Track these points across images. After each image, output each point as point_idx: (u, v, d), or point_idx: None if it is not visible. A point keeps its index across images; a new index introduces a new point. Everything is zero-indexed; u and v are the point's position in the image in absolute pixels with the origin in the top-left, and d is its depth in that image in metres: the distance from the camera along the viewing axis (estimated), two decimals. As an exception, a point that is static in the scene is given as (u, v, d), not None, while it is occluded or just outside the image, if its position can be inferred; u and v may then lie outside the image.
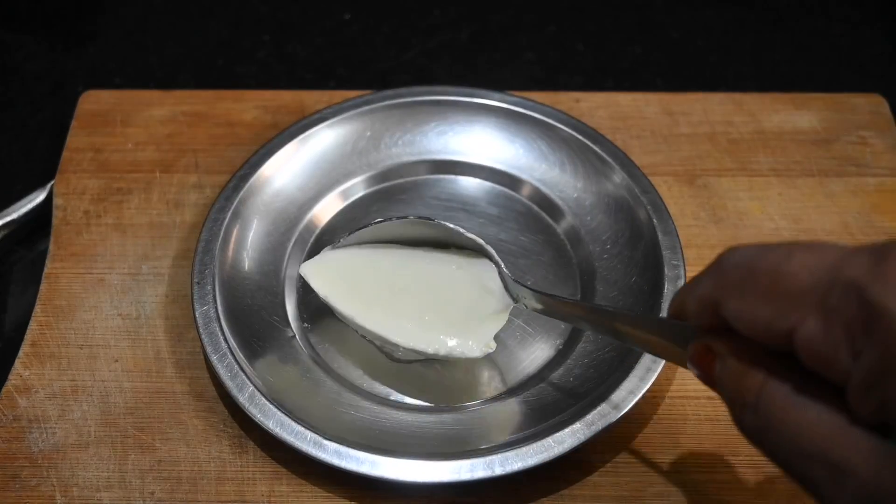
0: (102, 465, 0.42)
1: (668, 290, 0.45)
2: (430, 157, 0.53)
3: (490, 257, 0.44)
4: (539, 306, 0.42)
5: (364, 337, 0.44)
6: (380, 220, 0.45)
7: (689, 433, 0.43)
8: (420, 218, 0.44)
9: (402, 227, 0.45)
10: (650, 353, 0.40)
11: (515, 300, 0.43)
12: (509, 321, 0.46)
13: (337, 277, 0.44)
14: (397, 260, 0.45)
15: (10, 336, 0.49)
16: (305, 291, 0.48)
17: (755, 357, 0.27)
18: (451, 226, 0.44)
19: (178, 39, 0.65)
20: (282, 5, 0.68)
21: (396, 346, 0.42)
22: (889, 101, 0.57)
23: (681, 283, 0.45)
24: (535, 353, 0.46)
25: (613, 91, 0.59)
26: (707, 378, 0.29)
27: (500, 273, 0.44)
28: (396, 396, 0.44)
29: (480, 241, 0.44)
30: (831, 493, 0.25)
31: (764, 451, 0.27)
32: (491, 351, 0.42)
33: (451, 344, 0.42)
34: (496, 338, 0.42)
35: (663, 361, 0.42)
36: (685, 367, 0.31)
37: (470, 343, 0.42)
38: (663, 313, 0.44)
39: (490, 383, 0.45)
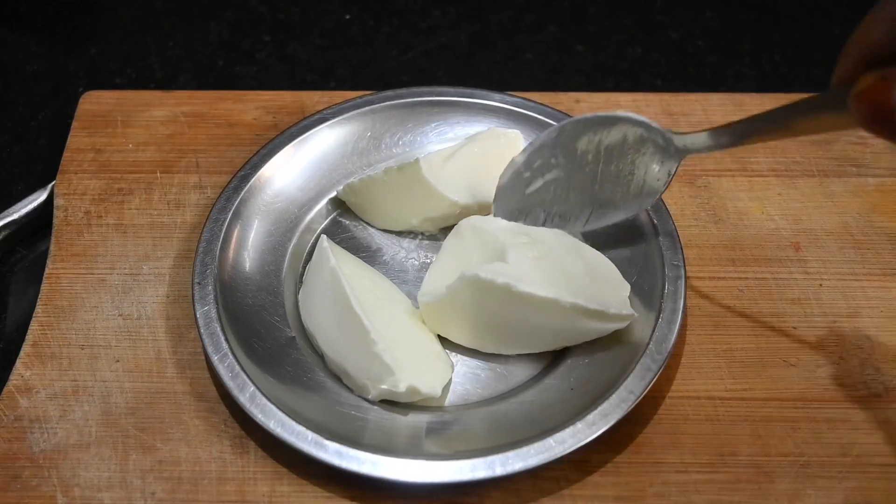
0: (103, 466, 0.42)
1: (669, 290, 0.45)
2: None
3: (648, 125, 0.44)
4: (708, 143, 0.42)
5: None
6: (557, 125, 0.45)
7: (689, 433, 0.43)
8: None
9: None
10: (814, 132, 0.39)
11: (680, 151, 0.43)
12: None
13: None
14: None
15: (11, 336, 0.49)
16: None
17: None
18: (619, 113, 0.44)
19: (178, 40, 0.65)
20: (282, 6, 0.68)
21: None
22: (889, 102, 0.57)
23: (681, 282, 0.45)
24: (536, 354, 0.46)
25: (613, 91, 0.59)
26: (880, 109, 0.30)
27: (664, 135, 0.43)
28: (397, 396, 0.44)
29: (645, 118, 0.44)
30: None
31: None
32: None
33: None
34: None
35: (664, 362, 0.42)
36: (850, 126, 0.33)
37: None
38: (663, 312, 0.44)
39: (491, 384, 0.45)
